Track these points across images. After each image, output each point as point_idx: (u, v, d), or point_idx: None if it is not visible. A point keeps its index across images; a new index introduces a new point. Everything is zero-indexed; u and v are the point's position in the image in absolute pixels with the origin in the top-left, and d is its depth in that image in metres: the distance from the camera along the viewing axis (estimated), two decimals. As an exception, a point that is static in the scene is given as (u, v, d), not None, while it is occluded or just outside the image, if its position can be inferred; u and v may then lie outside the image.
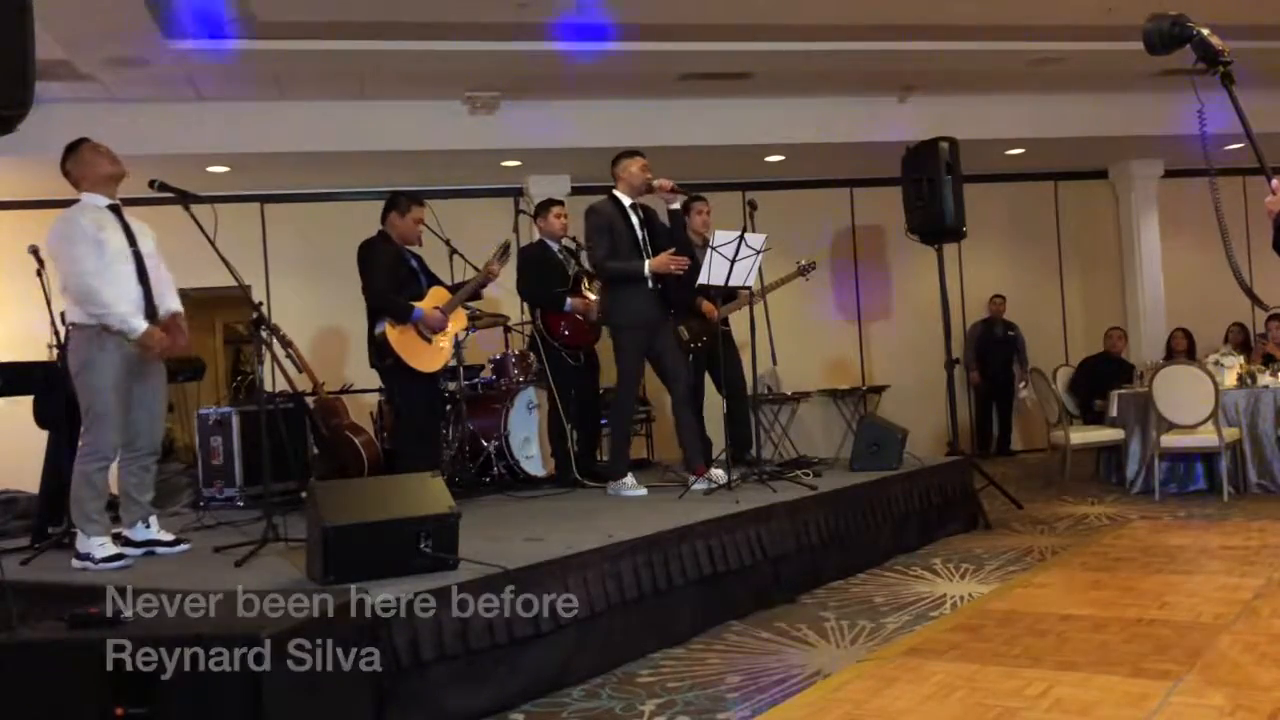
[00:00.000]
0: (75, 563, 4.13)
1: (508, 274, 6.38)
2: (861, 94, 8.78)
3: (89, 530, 4.14)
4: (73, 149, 4.37)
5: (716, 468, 5.65)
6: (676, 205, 5.74)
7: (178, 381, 6.84)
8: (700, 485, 5.45)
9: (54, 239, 4.25)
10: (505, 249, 6.03)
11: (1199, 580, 4.75)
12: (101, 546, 4.12)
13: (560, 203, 6.66)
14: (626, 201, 5.74)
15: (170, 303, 4.41)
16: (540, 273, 6.44)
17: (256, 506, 5.90)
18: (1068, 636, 3.89)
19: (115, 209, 4.36)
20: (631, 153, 5.85)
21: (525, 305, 6.95)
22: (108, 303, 4.14)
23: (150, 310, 4.29)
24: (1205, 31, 2.56)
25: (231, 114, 7.89)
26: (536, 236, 6.78)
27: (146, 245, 4.40)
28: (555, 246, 6.55)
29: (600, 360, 6.63)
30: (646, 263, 5.57)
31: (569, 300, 6.33)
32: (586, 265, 6.51)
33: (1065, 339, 11.11)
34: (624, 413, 5.90)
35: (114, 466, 4.36)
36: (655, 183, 5.67)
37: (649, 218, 5.81)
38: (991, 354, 10.44)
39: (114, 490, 4.51)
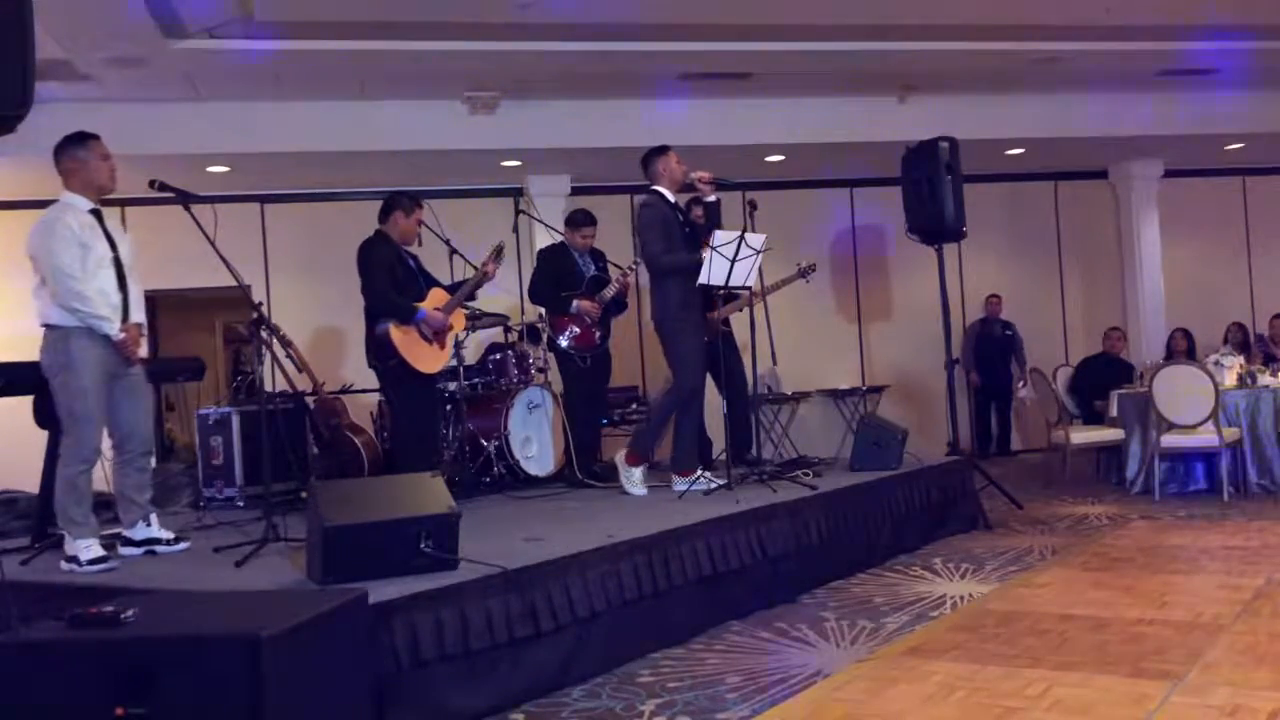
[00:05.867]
0: (63, 565, 4.13)
1: (507, 275, 6.39)
2: (861, 94, 8.77)
3: (74, 533, 4.13)
4: (80, 141, 4.30)
5: (716, 468, 5.63)
6: (713, 198, 5.75)
7: (178, 382, 6.83)
8: (700, 486, 5.45)
9: (37, 239, 4.19)
10: (499, 250, 6.05)
11: (1199, 580, 4.75)
12: (88, 549, 4.10)
13: (594, 223, 6.57)
14: (671, 197, 5.74)
15: (135, 314, 4.38)
16: (554, 274, 6.45)
17: (256, 506, 5.90)
18: (1068, 636, 3.89)
19: (97, 214, 4.32)
20: (664, 149, 5.79)
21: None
22: (90, 302, 4.13)
23: (125, 317, 4.28)
24: None
25: (231, 114, 7.89)
26: (536, 235, 6.79)
27: (125, 252, 4.38)
28: (576, 252, 6.55)
29: (611, 364, 6.64)
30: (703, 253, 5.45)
31: (575, 302, 6.34)
32: (610, 271, 6.52)
33: (1065, 339, 11.11)
34: (693, 402, 5.69)
35: (106, 467, 4.35)
36: (694, 176, 5.67)
37: (683, 214, 5.82)
38: (990, 353, 10.43)
39: (110, 490, 4.51)
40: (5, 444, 6.56)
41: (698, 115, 8.55)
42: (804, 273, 7.17)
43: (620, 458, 5.71)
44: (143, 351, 4.44)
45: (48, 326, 4.22)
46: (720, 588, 4.45)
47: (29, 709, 2.48)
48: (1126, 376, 8.68)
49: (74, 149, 4.29)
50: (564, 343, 6.36)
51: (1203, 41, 8.05)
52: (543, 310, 6.79)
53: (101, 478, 4.35)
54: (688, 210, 6.03)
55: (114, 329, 4.20)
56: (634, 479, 5.63)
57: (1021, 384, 10.31)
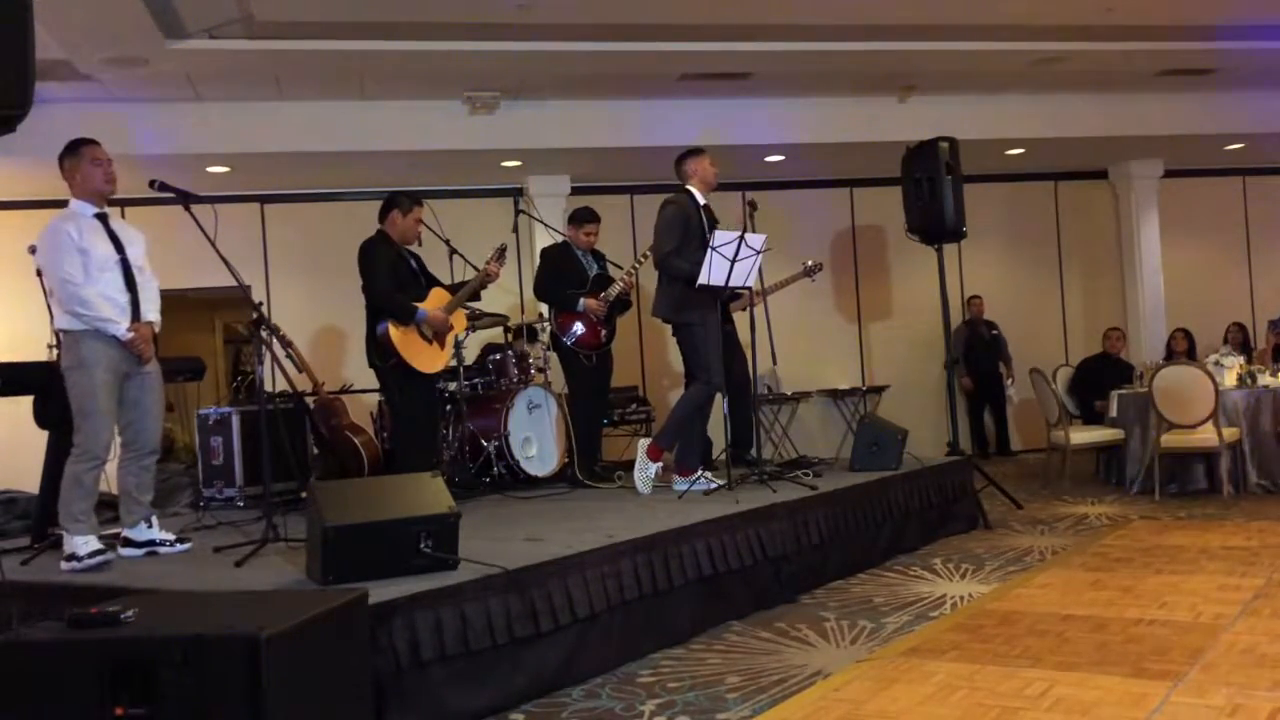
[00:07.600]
0: (63, 564, 4.13)
1: (507, 275, 6.38)
2: (861, 94, 8.77)
3: (74, 530, 4.15)
4: (75, 149, 4.36)
5: (717, 468, 5.61)
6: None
7: (178, 382, 6.83)
8: (700, 486, 5.45)
9: (41, 248, 4.29)
10: (502, 251, 6.06)
11: (1199, 580, 4.74)
12: (85, 544, 4.12)
13: (598, 220, 6.58)
14: (700, 200, 5.77)
15: (149, 314, 4.42)
16: (558, 272, 6.46)
17: (256, 506, 5.90)
18: (1068, 636, 3.89)
19: (102, 217, 4.38)
20: (699, 150, 5.85)
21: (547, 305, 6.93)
22: (92, 306, 4.18)
23: (135, 317, 4.34)
24: None
25: (231, 114, 7.89)
26: (536, 235, 6.78)
27: (135, 253, 4.41)
28: (579, 251, 6.55)
29: (613, 364, 6.64)
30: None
31: (582, 300, 6.34)
32: (611, 270, 6.52)
33: (1065, 339, 11.11)
34: (702, 403, 5.71)
35: (111, 466, 4.37)
36: None
37: (712, 218, 5.84)
38: (980, 355, 10.42)
39: (113, 490, 4.52)
40: (5, 444, 6.58)
41: (697, 115, 8.55)
42: (809, 271, 7.17)
43: (643, 448, 5.71)
44: (149, 352, 4.44)
45: (62, 331, 4.28)
46: (720, 588, 4.45)
47: (29, 709, 2.48)
48: (1126, 376, 8.68)
49: (67, 157, 4.36)
50: (570, 339, 6.36)
51: (1203, 41, 8.05)
52: (544, 309, 6.78)
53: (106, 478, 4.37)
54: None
55: (121, 329, 4.25)
56: (649, 475, 5.63)
57: (1010, 382, 10.32)
